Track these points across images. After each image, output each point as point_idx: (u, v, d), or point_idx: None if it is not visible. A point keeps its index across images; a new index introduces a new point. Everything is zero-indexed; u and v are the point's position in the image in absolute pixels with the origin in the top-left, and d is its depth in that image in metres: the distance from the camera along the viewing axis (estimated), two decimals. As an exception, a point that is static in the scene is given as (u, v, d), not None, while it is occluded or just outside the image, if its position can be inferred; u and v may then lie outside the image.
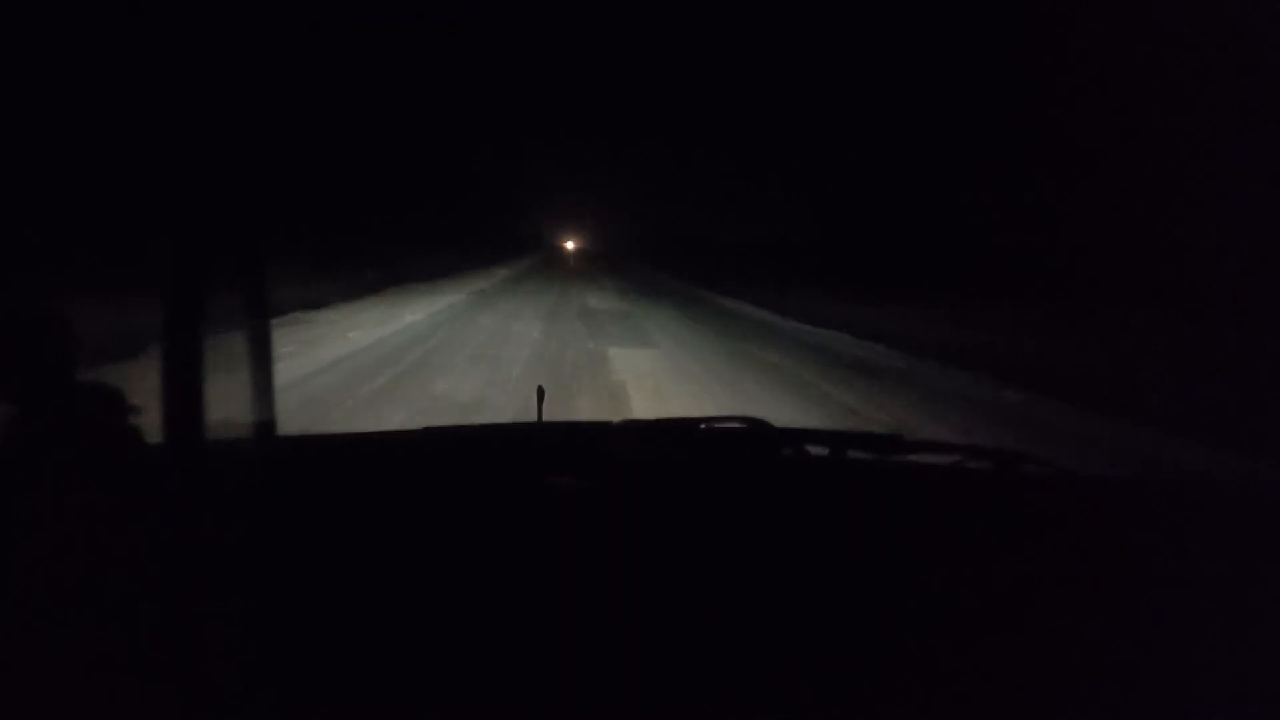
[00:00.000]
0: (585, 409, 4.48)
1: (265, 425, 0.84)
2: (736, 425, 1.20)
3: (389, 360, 5.76)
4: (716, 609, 0.65)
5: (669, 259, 28.16)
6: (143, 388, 0.73)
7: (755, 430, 1.19)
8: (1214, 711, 0.56)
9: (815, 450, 1.14)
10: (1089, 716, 0.55)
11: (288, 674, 0.53)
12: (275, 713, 0.50)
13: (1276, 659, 0.60)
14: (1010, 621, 0.65)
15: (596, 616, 0.62)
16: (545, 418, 1.35)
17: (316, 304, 8.54)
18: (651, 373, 5.99)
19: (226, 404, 0.71)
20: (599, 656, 0.57)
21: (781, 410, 4.69)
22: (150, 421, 0.68)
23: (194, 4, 0.89)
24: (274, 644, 0.56)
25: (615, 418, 1.27)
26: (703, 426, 1.19)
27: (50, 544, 0.60)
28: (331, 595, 0.63)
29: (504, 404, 4.47)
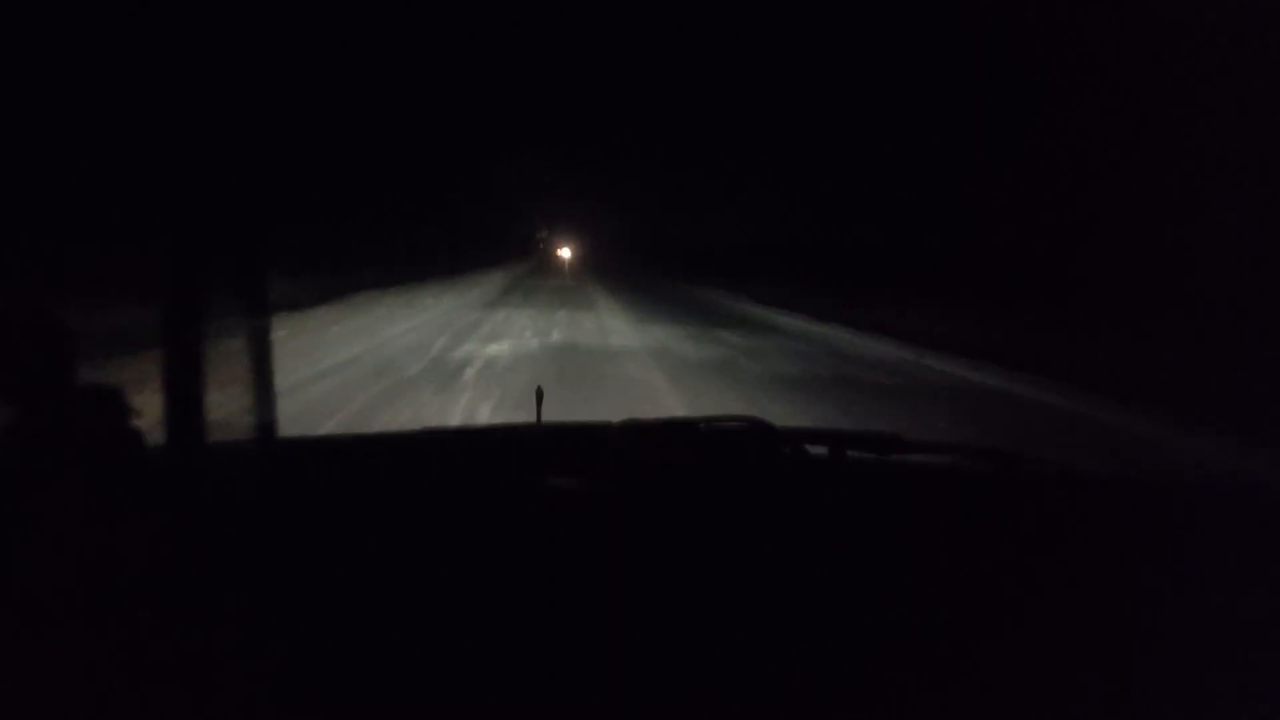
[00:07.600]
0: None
1: (265, 426, 0.84)
2: (736, 425, 1.20)
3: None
4: (716, 609, 0.65)
5: (690, 269, 23.56)
6: (142, 388, 0.72)
7: (755, 429, 1.20)
8: (1215, 712, 0.56)
9: (815, 450, 1.14)
10: (1089, 717, 0.55)
11: (287, 675, 0.53)
12: (275, 713, 0.51)
13: (1278, 660, 0.61)
14: (1011, 621, 0.65)
15: (598, 617, 0.62)
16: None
17: None
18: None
19: (224, 404, 0.71)
20: (599, 657, 0.57)
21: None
22: (150, 422, 0.68)
23: (194, 4, 0.89)
24: (273, 645, 0.56)
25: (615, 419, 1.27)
26: (702, 426, 1.19)
27: (49, 545, 0.60)
28: (332, 597, 0.63)
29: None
